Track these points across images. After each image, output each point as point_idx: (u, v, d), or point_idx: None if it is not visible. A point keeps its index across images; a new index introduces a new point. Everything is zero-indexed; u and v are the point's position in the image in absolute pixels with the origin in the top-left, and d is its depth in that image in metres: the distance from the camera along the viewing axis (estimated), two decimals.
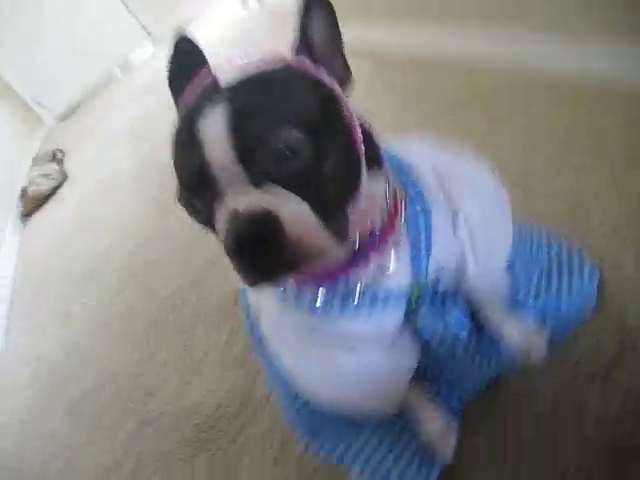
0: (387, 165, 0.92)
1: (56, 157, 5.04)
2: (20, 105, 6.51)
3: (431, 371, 1.30)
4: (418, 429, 1.28)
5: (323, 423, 1.24)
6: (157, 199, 3.26)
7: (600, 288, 1.33)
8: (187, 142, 0.72)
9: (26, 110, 6.61)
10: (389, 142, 1.06)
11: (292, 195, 0.70)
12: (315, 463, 1.36)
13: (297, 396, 1.25)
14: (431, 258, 0.98)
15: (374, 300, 0.95)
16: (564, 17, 1.95)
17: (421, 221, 0.96)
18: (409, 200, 0.95)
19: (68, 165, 4.96)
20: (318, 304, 0.95)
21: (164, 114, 1.93)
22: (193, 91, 0.80)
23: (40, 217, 4.37)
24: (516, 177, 1.72)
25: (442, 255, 1.01)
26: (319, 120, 0.73)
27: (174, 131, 0.77)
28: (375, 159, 0.88)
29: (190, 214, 0.79)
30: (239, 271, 0.71)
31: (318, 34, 0.83)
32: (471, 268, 1.07)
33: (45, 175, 4.65)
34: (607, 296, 1.32)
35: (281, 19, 4.49)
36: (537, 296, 1.34)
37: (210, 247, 2.28)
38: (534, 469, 1.15)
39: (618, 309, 1.28)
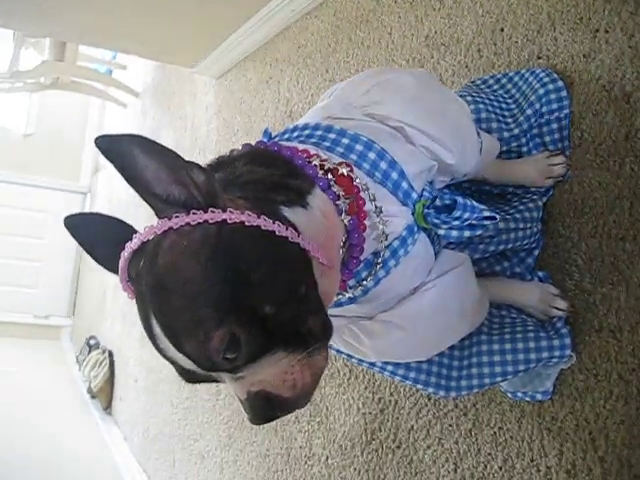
0: (320, 162, 0.91)
1: (91, 345, 5.12)
2: (32, 328, 6.60)
3: (490, 255, 1.30)
4: (525, 310, 1.28)
5: (448, 370, 1.24)
6: None
7: (564, 79, 1.30)
8: (156, 348, 0.76)
9: (40, 330, 6.69)
10: (312, 117, 1.07)
11: (264, 361, 0.74)
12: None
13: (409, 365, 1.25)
14: (410, 178, 0.98)
15: (394, 251, 0.96)
16: None
17: (382, 164, 0.95)
18: (359, 158, 0.95)
19: (105, 342, 5.02)
20: (355, 293, 0.97)
21: None
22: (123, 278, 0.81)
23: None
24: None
25: (418, 167, 1.01)
26: (234, 285, 0.72)
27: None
28: (305, 188, 0.87)
29: None
30: None
31: (158, 174, 0.72)
32: (449, 157, 1.07)
33: (95, 366, 4.73)
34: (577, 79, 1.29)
35: (162, 101, 4.50)
36: (518, 124, 1.32)
37: None
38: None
39: (596, 84, 1.25)
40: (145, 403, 3.79)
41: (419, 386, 1.23)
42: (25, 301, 6.55)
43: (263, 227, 0.75)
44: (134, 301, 0.80)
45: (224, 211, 0.74)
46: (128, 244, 0.78)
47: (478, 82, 1.44)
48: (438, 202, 1.00)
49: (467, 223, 0.99)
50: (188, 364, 0.73)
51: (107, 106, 6.76)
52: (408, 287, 1.04)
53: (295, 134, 1.02)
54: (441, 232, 1.00)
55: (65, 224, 0.85)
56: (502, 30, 1.46)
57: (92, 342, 5.15)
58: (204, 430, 2.85)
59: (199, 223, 0.73)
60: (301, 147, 0.94)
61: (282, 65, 2.62)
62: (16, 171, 6.56)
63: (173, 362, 0.75)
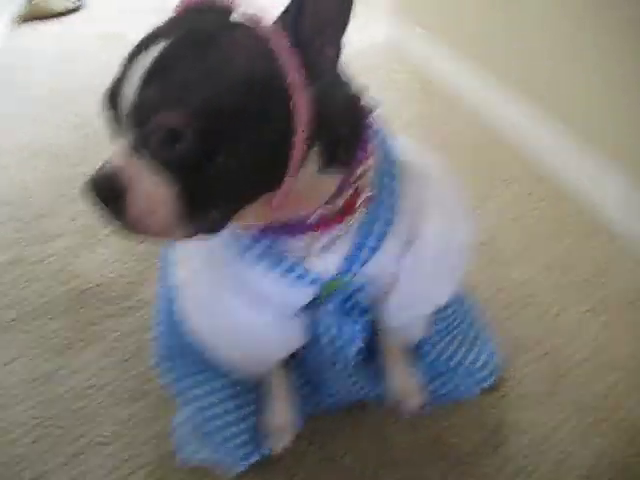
0: (367, 164, 0.87)
1: None
2: None
3: (306, 366, 1.28)
4: (265, 409, 1.27)
5: (182, 353, 1.20)
6: None
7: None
8: (124, 66, 0.70)
9: None
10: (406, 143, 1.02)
11: (159, 175, 0.68)
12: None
13: (173, 317, 1.20)
14: (364, 267, 0.94)
15: (289, 270, 0.92)
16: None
17: (375, 231, 0.92)
18: (377, 205, 0.91)
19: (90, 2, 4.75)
20: (234, 246, 0.93)
21: None
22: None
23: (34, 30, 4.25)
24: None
25: (374, 271, 0.98)
26: (232, 112, 0.67)
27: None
28: (346, 159, 0.83)
29: None
30: None
31: (319, 12, 0.69)
32: (394, 299, 1.06)
33: None
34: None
35: None
36: (441, 353, 1.33)
37: None
38: None
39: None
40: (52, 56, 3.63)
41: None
42: None
43: (300, 134, 0.71)
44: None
45: (301, 90, 0.70)
46: None
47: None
48: (352, 299, 1.00)
49: (335, 337, 1.01)
50: (127, 100, 0.67)
51: None
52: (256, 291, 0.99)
53: (383, 138, 0.96)
54: (319, 312, 1.01)
55: None
56: None
57: None
58: None
59: (279, 64, 0.69)
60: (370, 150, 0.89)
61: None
62: None
63: (112, 94, 0.70)
